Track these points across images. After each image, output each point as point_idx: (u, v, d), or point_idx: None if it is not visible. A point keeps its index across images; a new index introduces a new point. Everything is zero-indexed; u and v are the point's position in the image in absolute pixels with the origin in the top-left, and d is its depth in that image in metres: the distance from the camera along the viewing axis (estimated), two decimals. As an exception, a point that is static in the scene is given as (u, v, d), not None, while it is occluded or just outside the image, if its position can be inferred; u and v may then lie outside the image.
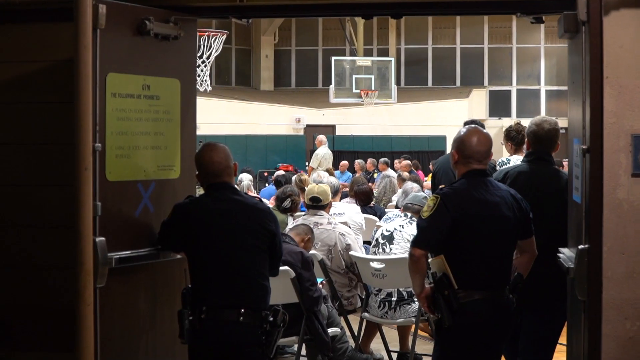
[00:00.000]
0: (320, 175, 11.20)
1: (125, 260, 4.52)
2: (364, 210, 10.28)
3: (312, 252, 6.92)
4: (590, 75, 4.21)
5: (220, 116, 26.28)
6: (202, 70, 13.37)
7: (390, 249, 7.06)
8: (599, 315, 4.25)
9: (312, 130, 26.04)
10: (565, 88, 24.85)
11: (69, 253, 4.23)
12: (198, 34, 13.91)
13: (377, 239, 7.24)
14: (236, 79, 31.54)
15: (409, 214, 7.21)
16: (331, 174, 16.19)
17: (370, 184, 18.80)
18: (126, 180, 4.62)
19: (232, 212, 4.48)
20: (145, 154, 4.74)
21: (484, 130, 4.76)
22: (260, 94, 30.48)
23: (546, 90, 30.26)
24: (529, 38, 30.45)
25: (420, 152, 25.67)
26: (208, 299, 4.41)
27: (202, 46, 13.37)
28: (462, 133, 4.71)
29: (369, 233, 9.73)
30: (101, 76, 4.42)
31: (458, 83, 30.86)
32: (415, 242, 4.51)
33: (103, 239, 4.37)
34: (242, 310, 4.38)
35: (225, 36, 13.67)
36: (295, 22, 31.32)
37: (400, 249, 6.98)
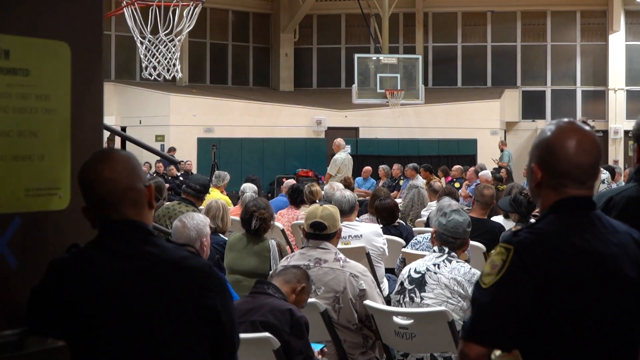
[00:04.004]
0: (333, 187, 9.32)
1: (-44, 356, 2.61)
2: (386, 231, 8.28)
3: (311, 300, 4.96)
4: None
5: (236, 118, 25.05)
6: (169, 51, 11.04)
7: (422, 298, 5.08)
8: None
9: (334, 133, 24.60)
10: (602, 88, 23.34)
11: None
12: (163, 4, 11.97)
13: (402, 283, 5.25)
14: (254, 78, 30.20)
15: (446, 249, 5.22)
16: (349, 184, 14.14)
17: (395, 191, 16.92)
18: (-39, 215, 2.67)
19: (142, 276, 2.56)
20: (0, 169, 2.77)
21: (588, 129, 2.75)
22: (279, 94, 29.10)
23: (582, 91, 28.70)
24: (564, 36, 29.09)
25: (449, 157, 24.15)
26: None
27: (170, 20, 10.99)
28: (548, 133, 2.72)
29: (392, 260, 7.90)
30: None
31: (489, 83, 29.42)
32: (470, 333, 2.55)
33: None
34: None
35: (200, 6, 11.34)
36: (317, 19, 30.05)
37: (435, 298, 5.02)
